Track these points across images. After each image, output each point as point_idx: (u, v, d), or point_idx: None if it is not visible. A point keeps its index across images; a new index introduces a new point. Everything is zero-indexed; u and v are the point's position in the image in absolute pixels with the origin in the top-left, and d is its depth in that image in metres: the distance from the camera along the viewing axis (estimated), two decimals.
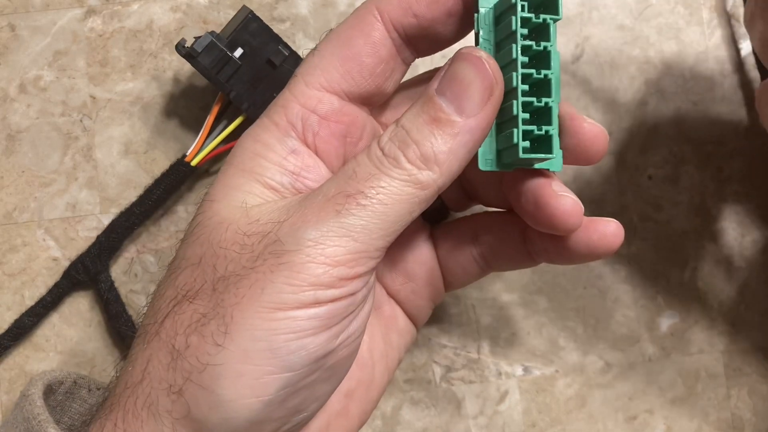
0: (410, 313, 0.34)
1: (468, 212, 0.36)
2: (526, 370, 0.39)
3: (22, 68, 0.39)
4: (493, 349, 0.39)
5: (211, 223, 0.27)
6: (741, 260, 0.40)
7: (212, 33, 0.35)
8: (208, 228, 0.27)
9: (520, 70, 0.26)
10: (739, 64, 0.41)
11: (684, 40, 0.40)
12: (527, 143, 0.27)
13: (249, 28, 0.36)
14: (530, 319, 0.40)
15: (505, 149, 0.27)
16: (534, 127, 0.27)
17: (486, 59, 0.26)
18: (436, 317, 0.39)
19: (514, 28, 0.26)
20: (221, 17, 0.39)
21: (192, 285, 0.26)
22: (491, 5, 0.27)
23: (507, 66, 0.27)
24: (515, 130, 0.26)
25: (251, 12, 0.36)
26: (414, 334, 0.35)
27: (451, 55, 0.27)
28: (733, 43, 0.41)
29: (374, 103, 0.30)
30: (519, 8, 0.26)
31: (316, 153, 0.28)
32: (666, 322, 0.40)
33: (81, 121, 0.39)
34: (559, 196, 0.29)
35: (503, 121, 0.27)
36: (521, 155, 0.26)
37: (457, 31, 0.29)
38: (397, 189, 0.25)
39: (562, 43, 0.40)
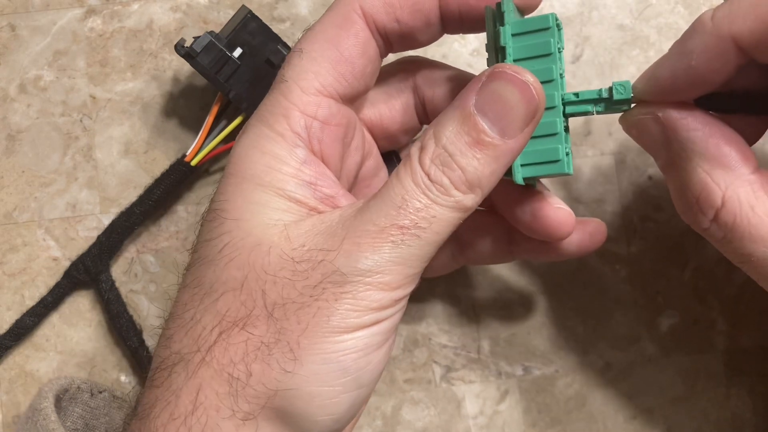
0: None
1: None
2: (526, 370, 0.39)
3: (22, 68, 0.39)
4: (493, 349, 0.39)
5: (245, 244, 0.26)
6: None
7: (211, 33, 0.35)
8: (244, 250, 0.26)
9: (565, 89, 0.28)
10: None
11: None
12: (569, 158, 0.28)
13: (248, 28, 0.36)
14: (530, 319, 0.40)
15: (534, 163, 0.28)
16: (566, 146, 0.28)
17: (533, 84, 0.26)
18: (436, 317, 0.39)
19: (552, 50, 0.27)
20: (221, 17, 0.39)
21: (238, 311, 0.26)
22: (510, 21, 0.28)
23: (543, 83, 0.27)
24: (560, 147, 0.27)
25: (250, 11, 0.36)
26: None
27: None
28: None
29: (358, 100, 0.30)
30: (556, 32, 0.27)
31: (322, 159, 0.28)
32: (666, 322, 0.40)
33: (81, 121, 0.39)
34: (557, 209, 0.30)
35: (534, 136, 0.28)
36: (566, 170, 0.27)
37: (433, 39, 0.30)
38: (446, 216, 0.26)
39: None
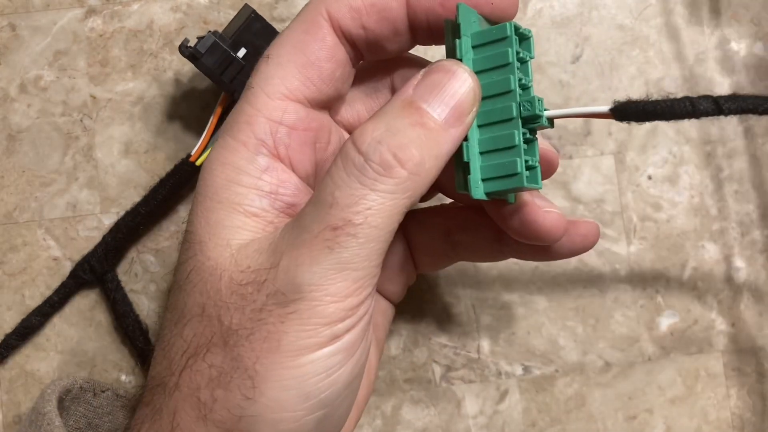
0: (386, 296, 0.35)
1: (436, 201, 0.35)
2: (526, 369, 0.39)
3: (23, 68, 0.39)
4: (493, 349, 0.39)
5: (205, 269, 0.26)
6: (741, 260, 0.40)
7: (215, 33, 0.35)
8: (204, 275, 0.26)
9: (519, 100, 0.26)
10: (738, 64, 0.41)
11: (684, 40, 0.41)
12: (528, 172, 0.26)
13: (252, 28, 0.35)
14: (530, 319, 0.40)
15: (495, 178, 0.27)
16: (529, 158, 0.26)
17: (470, 74, 0.26)
18: (436, 317, 0.39)
19: (510, 60, 0.26)
20: (221, 17, 0.39)
21: (200, 338, 0.25)
22: (469, 33, 0.27)
23: (501, 95, 0.26)
24: (518, 160, 0.26)
25: (254, 11, 0.35)
26: (393, 312, 0.35)
27: None
28: (733, 43, 0.41)
29: (333, 106, 0.30)
30: (514, 41, 0.26)
31: (291, 165, 0.27)
32: (666, 322, 0.40)
33: (81, 120, 0.39)
34: (546, 213, 0.29)
35: (494, 149, 0.27)
36: (525, 184, 0.26)
37: (404, 48, 0.29)
38: (385, 203, 0.24)
39: (562, 43, 0.40)
